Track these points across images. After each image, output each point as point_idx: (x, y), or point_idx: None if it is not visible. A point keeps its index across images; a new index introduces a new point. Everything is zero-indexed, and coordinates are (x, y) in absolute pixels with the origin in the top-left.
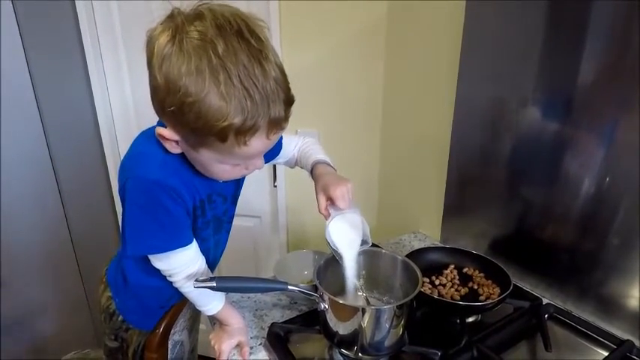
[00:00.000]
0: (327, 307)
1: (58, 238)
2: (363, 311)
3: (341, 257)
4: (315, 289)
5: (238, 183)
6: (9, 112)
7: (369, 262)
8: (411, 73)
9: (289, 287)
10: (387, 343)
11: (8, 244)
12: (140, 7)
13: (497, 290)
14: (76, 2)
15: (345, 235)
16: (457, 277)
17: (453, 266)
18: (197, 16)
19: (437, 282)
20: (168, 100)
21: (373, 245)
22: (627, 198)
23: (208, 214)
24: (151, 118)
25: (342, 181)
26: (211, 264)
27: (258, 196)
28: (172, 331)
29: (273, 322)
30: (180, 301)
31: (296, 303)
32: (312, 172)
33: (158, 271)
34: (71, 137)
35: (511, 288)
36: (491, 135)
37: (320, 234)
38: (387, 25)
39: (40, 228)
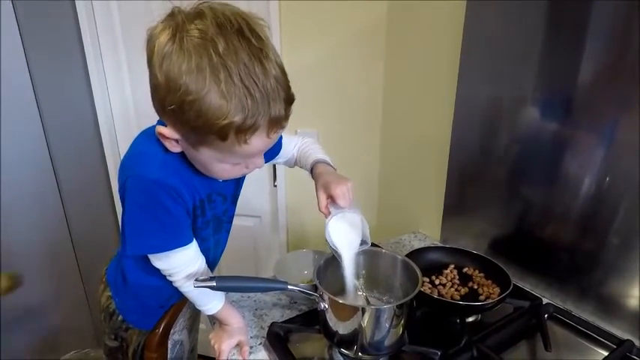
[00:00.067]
0: (326, 306)
1: (58, 238)
2: (363, 311)
3: (340, 257)
4: (315, 288)
5: (238, 183)
6: (9, 112)
7: (369, 261)
8: (411, 73)
9: (289, 287)
10: (387, 342)
11: (8, 243)
12: (140, 7)
13: (497, 290)
14: (76, 2)
15: (345, 235)
16: (457, 276)
17: (452, 266)
18: (198, 14)
19: (437, 282)
20: (169, 99)
21: (373, 245)
22: (627, 198)
23: (208, 213)
24: (151, 117)
25: (342, 180)
26: (211, 264)
27: (258, 195)
28: (172, 330)
29: (273, 322)
30: (180, 300)
31: (296, 302)
32: (312, 171)
33: (158, 270)
34: (71, 137)
35: (511, 288)
36: (491, 135)
37: (320, 234)
38: (387, 25)
39: (40, 228)
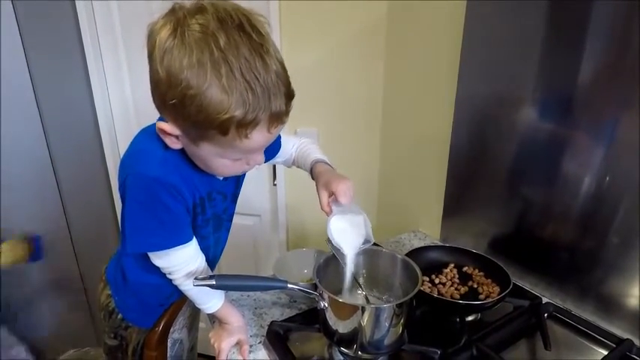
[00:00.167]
0: (326, 305)
1: (58, 238)
2: (363, 310)
3: (341, 255)
4: (315, 287)
5: (238, 181)
6: (9, 112)
7: (369, 260)
8: (411, 73)
9: (289, 285)
10: (386, 341)
11: None
12: (140, 7)
13: (496, 289)
14: (76, 2)
15: (347, 233)
16: (457, 275)
17: (452, 265)
18: (199, 9)
19: (437, 281)
20: (170, 94)
21: (373, 244)
22: (627, 197)
23: (208, 211)
24: (151, 117)
25: (343, 178)
26: (211, 262)
27: (257, 194)
28: (172, 329)
29: (273, 321)
30: (179, 299)
31: (295, 301)
32: (311, 170)
33: (157, 268)
34: (71, 137)
35: (511, 287)
36: (491, 134)
37: (319, 232)
38: (387, 25)
39: (40, 227)
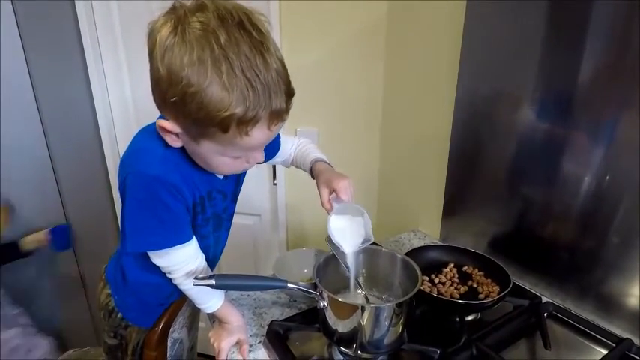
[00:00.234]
0: (326, 304)
1: None
2: (363, 309)
3: (341, 253)
4: (315, 286)
5: (238, 180)
6: (9, 112)
7: (369, 260)
8: (411, 73)
9: (289, 285)
10: (386, 340)
11: None
12: (140, 7)
13: (496, 288)
14: (76, 3)
15: (346, 232)
16: (457, 275)
17: (452, 264)
18: (199, 7)
19: (436, 280)
20: (171, 91)
21: (373, 243)
22: (627, 197)
23: (208, 211)
24: (151, 117)
25: (343, 176)
26: (211, 262)
27: (257, 194)
28: (172, 328)
29: (273, 320)
30: (179, 298)
31: (295, 301)
32: (311, 169)
33: (157, 268)
34: (71, 137)
35: (510, 286)
36: (491, 134)
37: (319, 232)
38: (387, 25)
39: (39, 227)
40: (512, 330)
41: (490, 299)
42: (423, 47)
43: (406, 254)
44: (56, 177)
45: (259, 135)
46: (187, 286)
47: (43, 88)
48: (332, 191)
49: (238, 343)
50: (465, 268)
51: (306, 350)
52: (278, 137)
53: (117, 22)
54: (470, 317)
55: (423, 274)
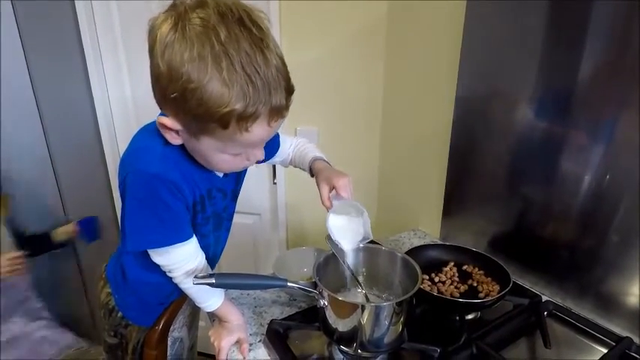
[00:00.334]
0: (326, 303)
1: None
2: (363, 308)
3: (340, 251)
4: (315, 285)
5: (238, 179)
6: (9, 112)
7: (369, 259)
8: (411, 73)
9: (289, 284)
10: (386, 339)
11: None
12: (140, 7)
13: (496, 287)
14: (76, 3)
15: (346, 230)
16: (457, 274)
17: (452, 263)
18: (199, 3)
19: (436, 279)
20: (171, 88)
21: (373, 242)
22: (627, 196)
23: (208, 209)
24: (150, 116)
25: (343, 174)
26: (211, 261)
27: (257, 193)
28: (172, 327)
29: (273, 319)
30: (179, 297)
31: (295, 300)
32: (311, 168)
33: (157, 267)
34: (71, 137)
35: (510, 285)
36: (490, 134)
37: (319, 231)
38: (387, 25)
39: (39, 227)
40: (512, 329)
41: (490, 298)
42: (423, 47)
43: (406, 253)
44: (56, 177)
45: (259, 131)
46: (187, 284)
47: (43, 88)
48: (332, 188)
49: (238, 342)
50: (465, 267)
51: (306, 349)
52: (277, 137)
53: (117, 22)
54: (470, 316)
55: (423, 273)
